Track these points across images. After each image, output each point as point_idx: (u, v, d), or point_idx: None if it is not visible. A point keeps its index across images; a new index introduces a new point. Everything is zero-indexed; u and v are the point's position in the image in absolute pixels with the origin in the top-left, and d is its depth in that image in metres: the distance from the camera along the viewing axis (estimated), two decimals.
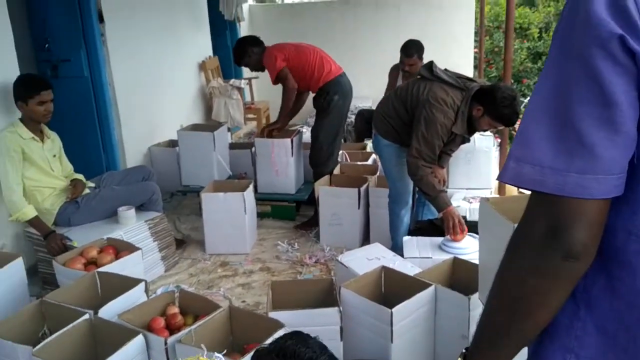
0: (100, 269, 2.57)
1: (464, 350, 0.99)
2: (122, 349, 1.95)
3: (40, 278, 3.23)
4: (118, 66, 4.20)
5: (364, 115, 5.19)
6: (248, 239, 3.73)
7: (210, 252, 3.71)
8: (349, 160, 4.37)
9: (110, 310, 2.23)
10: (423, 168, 2.89)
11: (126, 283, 2.44)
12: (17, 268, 2.68)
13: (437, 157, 2.98)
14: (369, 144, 4.60)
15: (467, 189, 3.67)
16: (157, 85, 4.86)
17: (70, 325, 2.11)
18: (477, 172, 3.79)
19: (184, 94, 5.57)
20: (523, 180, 0.78)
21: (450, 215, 2.82)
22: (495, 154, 4.00)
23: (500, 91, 2.78)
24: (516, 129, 2.03)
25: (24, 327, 2.21)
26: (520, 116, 1.78)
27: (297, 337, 1.00)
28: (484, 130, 3.15)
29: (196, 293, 2.53)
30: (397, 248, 3.11)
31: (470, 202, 3.60)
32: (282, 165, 4.17)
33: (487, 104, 2.82)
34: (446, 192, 3.06)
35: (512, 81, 6.45)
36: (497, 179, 0.86)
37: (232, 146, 4.82)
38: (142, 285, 2.45)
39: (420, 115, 2.90)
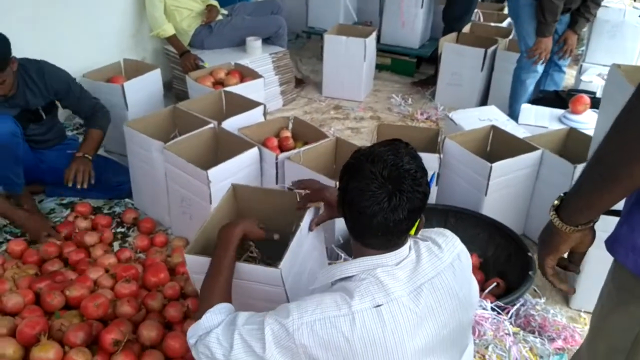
0: (226, 89, 2.79)
1: (562, 195, 1.00)
2: (239, 156, 2.20)
3: (174, 94, 3.57)
4: None
5: None
6: (363, 87, 3.78)
7: (326, 95, 3.83)
8: (482, 20, 4.12)
9: (232, 124, 2.46)
10: None
11: (248, 104, 2.64)
12: (155, 77, 3.00)
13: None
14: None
15: (604, 65, 3.35)
16: None
17: (197, 130, 2.38)
18: (620, 48, 3.41)
19: None
20: None
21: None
22: None
23: None
24: None
25: (158, 128, 2.51)
26: None
27: (392, 144, 1.08)
28: None
29: (308, 122, 2.69)
30: (514, 117, 3.02)
31: (605, 79, 3.31)
32: (410, 16, 4.04)
33: None
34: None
35: None
36: None
37: None
38: (261, 108, 2.65)
39: None
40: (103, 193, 2.61)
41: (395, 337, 1.04)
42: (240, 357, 1.10)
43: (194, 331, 1.20)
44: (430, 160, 2.23)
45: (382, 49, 4.15)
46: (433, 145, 2.41)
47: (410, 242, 1.15)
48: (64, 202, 2.59)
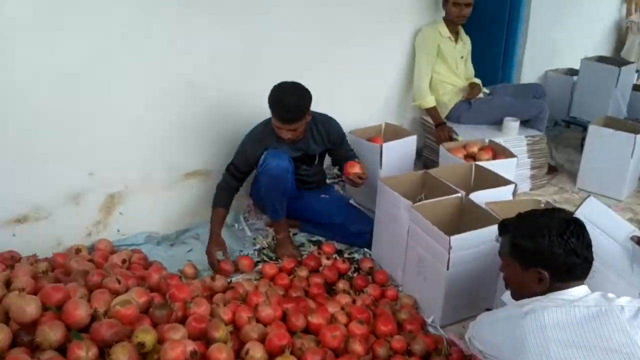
0: (478, 163, 2.83)
1: None
2: (484, 229, 2.19)
3: (422, 161, 3.74)
4: None
5: None
6: (627, 186, 3.45)
7: (581, 187, 3.59)
8: None
9: (479, 197, 2.47)
10: None
11: (497, 180, 2.63)
12: (410, 142, 3.20)
13: None
14: None
15: None
16: None
17: (445, 197, 2.46)
18: None
19: (594, 22, 5.20)
20: None
21: None
22: None
23: None
24: None
25: (407, 188, 2.65)
26: None
27: None
28: None
29: None
30: None
31: None
32: None
33: None
34: None
35: None
36: None
37: (635, 87, 4.36)
38: (511, 187, 2.61)
39: None
40: (345, 238, 2.83)
41: None
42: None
43: None
44: None
45: None
46: None
47: None
48: (313, 239, 2.88)
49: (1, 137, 2.25)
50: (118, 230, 2.71)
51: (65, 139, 2.42)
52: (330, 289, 2.46)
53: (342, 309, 2.17)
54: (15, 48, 2.18)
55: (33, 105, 2.28)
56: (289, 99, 2.47)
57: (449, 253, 2.13)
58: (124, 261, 2.33)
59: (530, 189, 3.55)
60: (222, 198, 2.68)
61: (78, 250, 2.40)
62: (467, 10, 3.40)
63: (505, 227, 1.66)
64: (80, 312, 1.58)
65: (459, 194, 2.48)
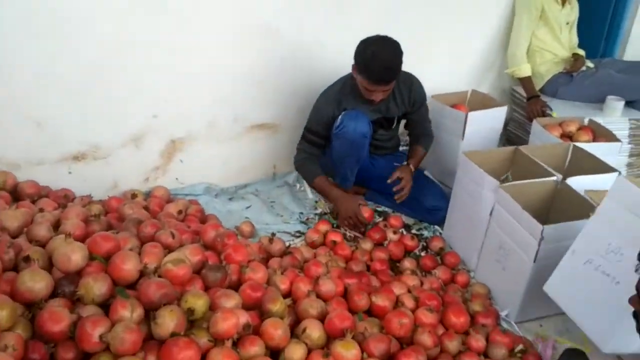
0: (577, 144, 2.49)
1: None
2: (582, 221, 1.90)
3: (505, 136, 3.40)
4: None
5: None
6: None
7: None
8: None
9: (578, 182, 2.16)
10: None
11: (598, 166, 2.30)
12: (499, 114, 2.88)
13: None
14: None
15: None
16: None
17: (539, 179, 2.16)
18: None
19: None
20: None
21: None
22: None
23: None
24: None
25: (492, 165, 2.35)
26: None
27: None
28: None
29: None
30: None
31: None
32: None
33: None
34: None
35: None
36: None
37: None
38: (613, 175, 2.27)
39: None
40: (416, 212, 2.59)
41: None
42: None
43: None
44: None
45: None
46: None
47: None
48: (379, 209, 2.66)
49: (66, 69, 2.11)
50: (177, 179, 2.58)
51: (133, 77, 2.26)
52: (394, 266, 2.25)
53: (409, 291, 1.96)
54: None
55: (101, 40, 2.13)
56: (387, 57, 2.17)
57: (539, 244, 1.86)
58: (179, 212, 2.20)
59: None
60: (313, 168, 2.47)
61: (134, 195, 2.28)
62: None
63: None
64: (128, 266, 1.44)
65: (555, 178, 2.18)
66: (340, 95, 2.38)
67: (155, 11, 2.20)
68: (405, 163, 2.53)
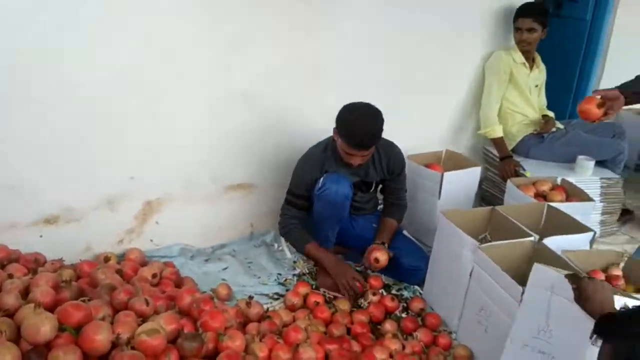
0: (551, 204, 2.53)
1: None
2: None
3: (479, 194, 3.44)
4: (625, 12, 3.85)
5: None
6: None
7: None
8: None
9: (555, 243, 2.18)
10: None
11: (573, 226, 2.33)
12: (474, 174, 2.93)
13: None
14: None
15: None
16: None
17: (517, 240, 2.17)
18: None
19: None
20: None
21: None
22: None
23: None
24: None
25: (469, 225, 2.37)
26: None
27: None
28: None
29: None
30: None
31: None
32: None
33: None
34: None
35: None
36: None
37: None
38: (589, 235, 2.31)
39: None
40: (396, 273, 2.57)
41: None
42: None
43: None
44: None
45: None
46: None
47: None
48: (358, 268, 2.63)
49: (40, 132, 2.09)
50: (151, 240, 2.53)
51: (110, 140, 2.26)
52: (375, 329, 2.21)
53: (391, 356, 1.91)
54: (64, 43, 2.03)
55: (81, 104, 2.13)
56: (368, 123, 2.22)
57: (519, 305, 1.84)
58: (154, 275, 2.14)
59: (599, 237, 3.21)
60: (302, 235, 2.46)
61: (107, 259, 2.22)
62: (528, 36, 3.13)
63: (607, 328, 1.29)
64: (100, 337, 1.38)
65: (532, 238, 2.20)
66: (323, 158, 2.40)
67: (134, 79, 2.22)
68: (378, 242, 2.48)
